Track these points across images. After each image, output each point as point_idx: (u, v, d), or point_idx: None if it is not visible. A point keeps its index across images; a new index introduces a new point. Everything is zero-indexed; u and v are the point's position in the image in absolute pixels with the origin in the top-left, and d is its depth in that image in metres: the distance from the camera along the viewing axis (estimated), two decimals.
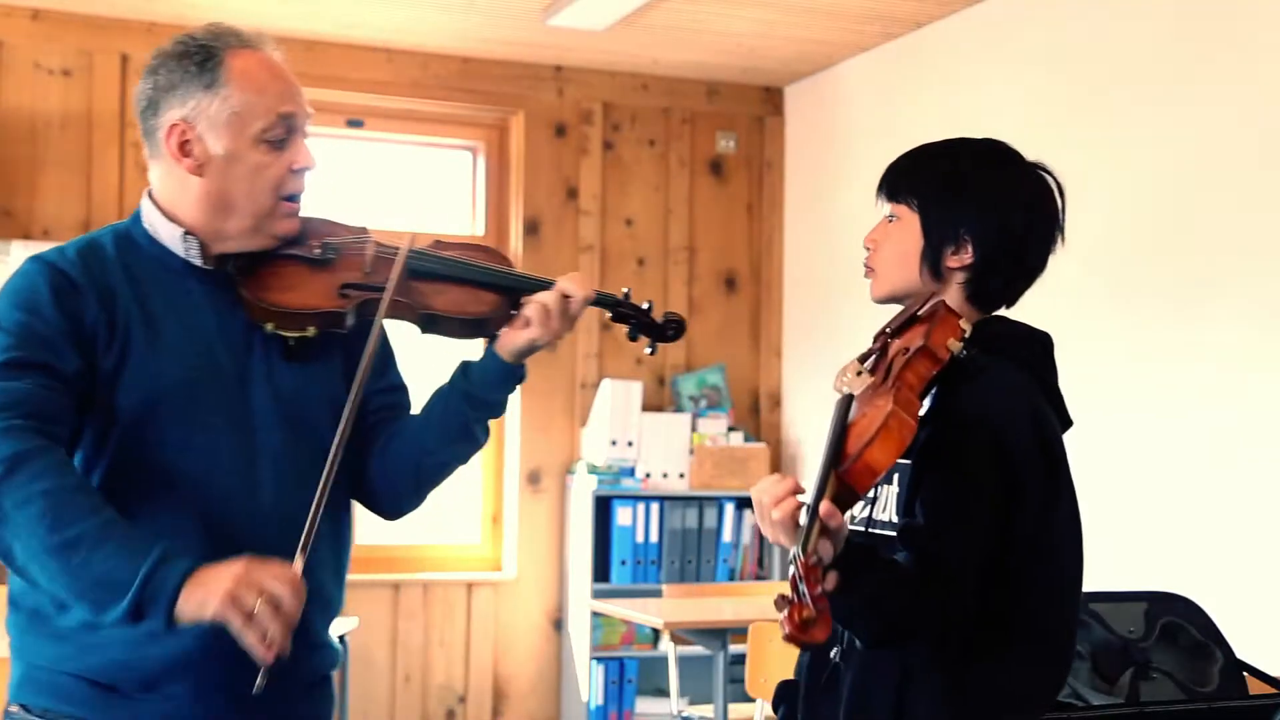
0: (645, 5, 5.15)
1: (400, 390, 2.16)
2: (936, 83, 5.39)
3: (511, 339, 2.05)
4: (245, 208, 1.98)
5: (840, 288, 5.79)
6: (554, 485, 5.97)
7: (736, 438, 6.04)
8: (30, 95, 5.34)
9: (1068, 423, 1.97)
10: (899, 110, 5.59)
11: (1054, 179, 2.01)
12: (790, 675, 2.06)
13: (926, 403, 1.87)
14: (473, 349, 2.14)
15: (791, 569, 1.63)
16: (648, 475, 5.87)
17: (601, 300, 2.14)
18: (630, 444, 5.86)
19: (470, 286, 2.07)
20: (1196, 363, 4.24)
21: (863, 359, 1.92)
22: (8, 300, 1.91)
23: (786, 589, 1.62)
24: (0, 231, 5.21)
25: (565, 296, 2.05)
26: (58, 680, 1.92)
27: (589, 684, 5.71)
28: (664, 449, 5.90)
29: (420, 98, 5.89)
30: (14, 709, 1.94)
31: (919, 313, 1.92)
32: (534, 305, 2.04)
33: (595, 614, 5.60)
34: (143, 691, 1.91)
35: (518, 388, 2.12)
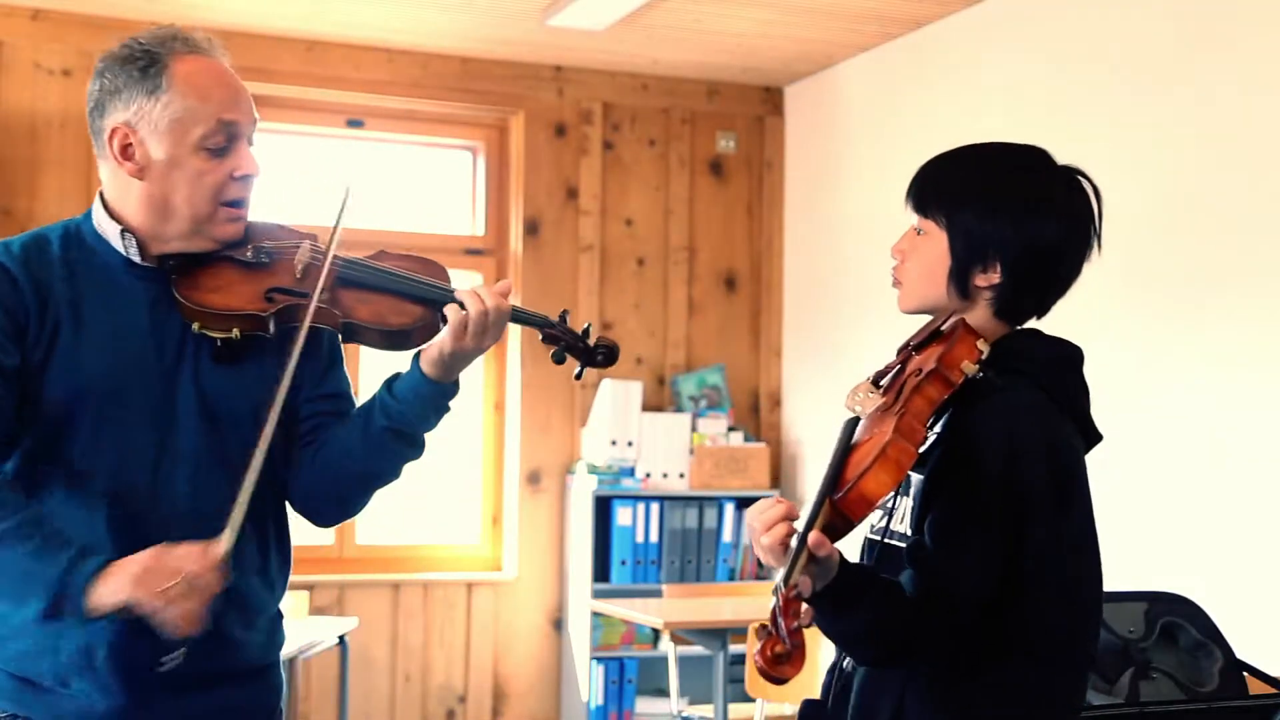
0: (645, 5, 5.15)
1: (339, 398, 2.14)
2: (936, 82, 5.39)
3: (428, 350, 2.03)
4: (184, 212, 1.99)
5: (840, 288, 5.79)
6: (554, 485, 5.97)
7: (736, 438, 6.04)
8: (30, 95, 5.35)
9: (1096, 438, 1.93)
10: (899, 110, 5.59)
11: (1089, 183, 1.96)
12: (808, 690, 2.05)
13: (939, 425, 1.86)
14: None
15: (773, 600, 1.61)
16: (648, 475, 5.87)
17: (521, 318, 2.10)
18: (630, 444, 5.86)
19: (396, 298, 2.04)
20: (1197, 362, 4.24)
21: (878, 376, 1.89)
22: None
23: (768, 619, 1.60)
24: (0, 231, 5.22)
25: (482, 310, 2.00)
26: None
27: (589, 684, 5.71)
28: (664, 449, 5.90)
29: (420, 98, 5.89)
30: None
31: (942, 328, 1.89)
32: (450, 309, 2.01)
33: (595, 614, 5.60)
34: (60, 685, 1.96)
35: (450, 404, 2.08)
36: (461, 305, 2.00)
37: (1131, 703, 2.68)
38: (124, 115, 1.98)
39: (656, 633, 5.72)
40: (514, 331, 5.92)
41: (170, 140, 1.97)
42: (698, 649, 4.66)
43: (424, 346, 2.05)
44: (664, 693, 5.64)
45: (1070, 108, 4.73)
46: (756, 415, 6.29)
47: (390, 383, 2.06)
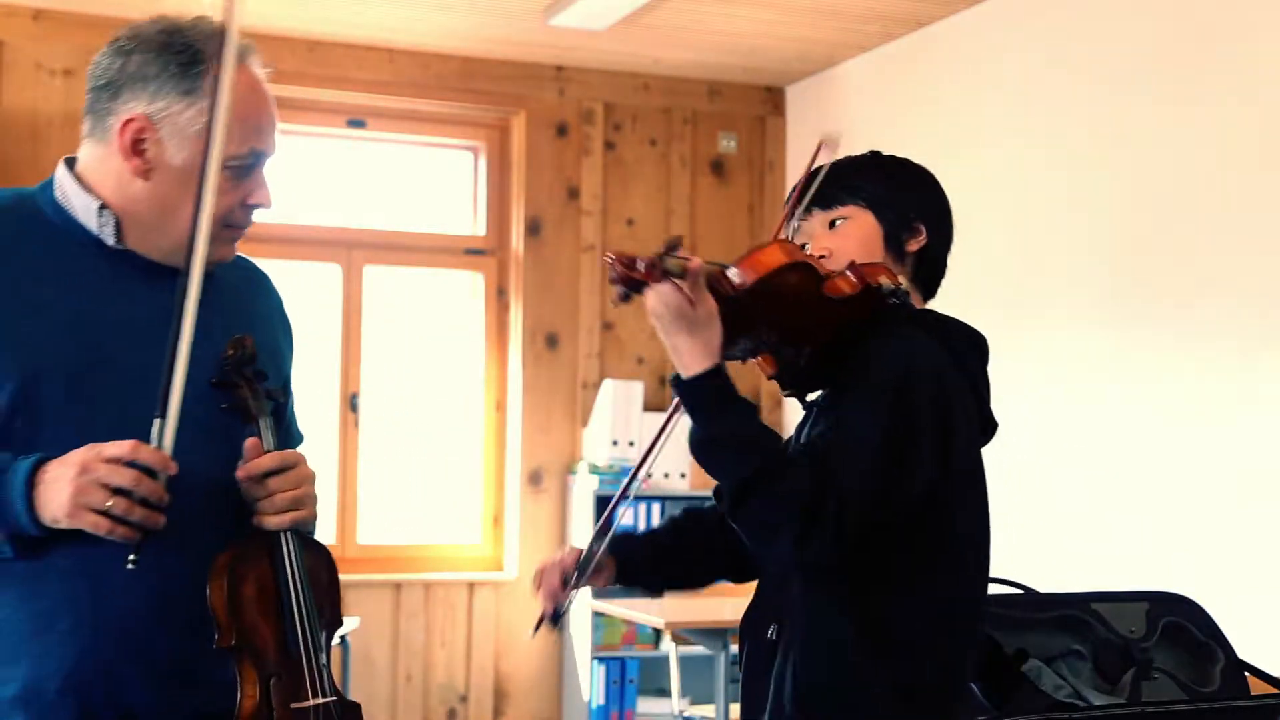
0: (646, 5, 5.15)
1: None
2: (938, 82, 5.39)
3: None
4: (182, 227, 1.77)
5: None
6: (555, 485, 5.97)
7: None
8: (32, 95, 5.35)
9: (992, 425, 2.01)
10: (900, 110, 5.59)
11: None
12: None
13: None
14: None
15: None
16: (649, 475, 5.86)
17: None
18: (631, 444, 5.86)
19: None
20: (1196, 362, 4.24)
21: None
22: None
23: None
24: None
25: None
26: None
27: (590, 684, 5.71)
28: (665, 449, 5.87)
29: (422, 98, 5.89)
30: None
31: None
32: None
33: (596, 613, 5.60)
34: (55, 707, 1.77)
35: None
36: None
37: (1133, 703, 2.68)
38: (145, 108, 1.79)
39: (658, 632, 5.71)
40: (514, 329, 5.93)
41: (196, 150, 1.77)
42: (699, 649, 4.66)
43: None
44: (665, 693, 5.63)
45: (1070, 108, 4.73)
46: None
47: None
